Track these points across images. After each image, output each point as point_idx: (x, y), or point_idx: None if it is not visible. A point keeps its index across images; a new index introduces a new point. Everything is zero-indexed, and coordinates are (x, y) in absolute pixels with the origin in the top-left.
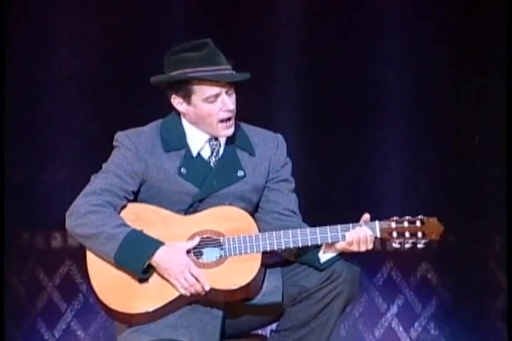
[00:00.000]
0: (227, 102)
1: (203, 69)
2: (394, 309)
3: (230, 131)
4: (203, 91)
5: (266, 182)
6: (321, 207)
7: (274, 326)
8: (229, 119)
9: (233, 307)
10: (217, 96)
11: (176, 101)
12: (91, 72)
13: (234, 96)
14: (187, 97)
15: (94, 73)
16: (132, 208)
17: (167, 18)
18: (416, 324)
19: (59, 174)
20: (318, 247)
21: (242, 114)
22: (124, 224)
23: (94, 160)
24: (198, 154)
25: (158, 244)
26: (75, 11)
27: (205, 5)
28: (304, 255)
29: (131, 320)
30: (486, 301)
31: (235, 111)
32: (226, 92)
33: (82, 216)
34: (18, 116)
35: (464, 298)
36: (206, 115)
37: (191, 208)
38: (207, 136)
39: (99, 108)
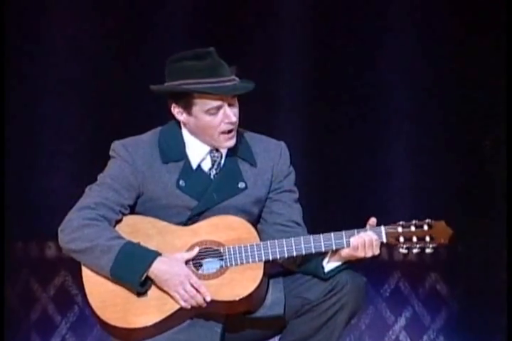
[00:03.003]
0: (229, 114)
1: (204, 81)
2: (402, 321)
3: (232, 142)
4: (204, 104)
5: (268, 192)
6: (326, 215)
7: (276, 339)
8: (231, 131)
9: (233, 320)
10: (219, 108)
11: (176, 111)
12: (88, 79)
13: (237, 106)
14: (188, 108)
15: (91, 80)
16: (128, 220)
17: (167, 22)
18: (425, 337)
19: (54, 182)
20: (322, 255)
21: (245, 121)
22: (119, 237)
23: (90, 168)
24: (199, 166)
25: (154, 254)
26: (73, 15)
27: (207, 11)
28: (308, 264)
29: (130, 336)
30: (498, 313)
31: (237, 122)
32: (228, 104)
33: (75, 230)
34: (14, 124)
35: (474, 309)
36: (207, 127)
37: (189, 221)
38: (208, 148)
39: (96, 116)
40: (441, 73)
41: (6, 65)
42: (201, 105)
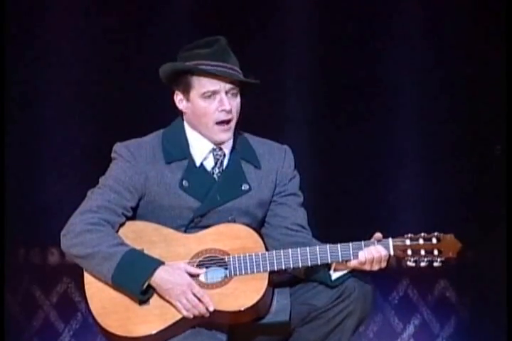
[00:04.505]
0: (224, 102)
1: (205, 62)
2: (410, 329)
3: (227, 136)
4: (201, 86)
5: (272, 196)
6: (333, 219)
7: None
8: (227, 122)
9: (238, 327)
10: (215, 93)
11: (178, 99)
12: (90, 82)
13: (237, 99)
14: (186, 93)
15: (93, 83)
16: (132, 226)
17: (169, 24)
18: None
19: (56, 186)
20: (328, 264)
21: (252, 122)
22: (122, 243)
23: (93, 173)
24: (201, 164)
25: (157, 263)
26: (74, 18)
27: (212, 11)
28: (314, 272)
29: None
30: (508, 320)
31: (234, 114)
32: (227, 92)
33: (77, 235)
34: (15, 129)
35: (484, 317)
36: (202, 114)
37: (192, 223)
38: (211, 145)
39: (97, 119)
40: (450, 78)
41: (6, 68)
42: (198, 88)
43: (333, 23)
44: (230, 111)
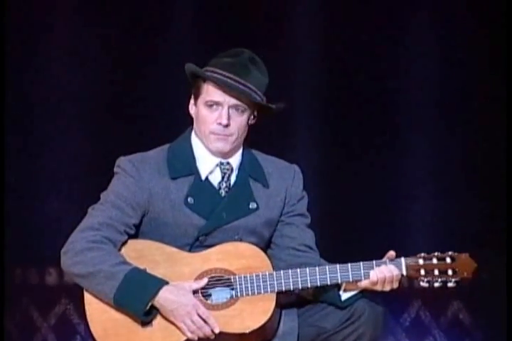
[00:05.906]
0: (223, 115)
1: (219, 71)
2: None
3: (221, 145)
4: (207, 94)
5: (280, 215)
6: (343, 239)
7: None
8: (221, 134)
9: None
10: (218, 104)
11: (191, 103)
12: (90, 97)
13: (243, 116)
14: (196, 97)
15: (92, 99)
16: (134, 245)
17: (173, 36)
18: None
19: (54, 205)
20: (338, 284)
21: (260, 140)
22: (125, 262)
23: (92, 192)
24: (207, 179)
25: (161, 283)
26: (74, 30)
27: (217, 23)
28: (323, 292)
29: None
30: None
31: (234, 131)
32: (231, 107)
33: (78, 253)
34: (13, 147)
35: (498, 339)
36: (202, 122)
37: (197, 242)
38: (217, 159)
39: (97, 134)
40: (467, 93)
41: (6, 82)
42: (205, 95)
43: (342, 36)
44: (226, 126)
